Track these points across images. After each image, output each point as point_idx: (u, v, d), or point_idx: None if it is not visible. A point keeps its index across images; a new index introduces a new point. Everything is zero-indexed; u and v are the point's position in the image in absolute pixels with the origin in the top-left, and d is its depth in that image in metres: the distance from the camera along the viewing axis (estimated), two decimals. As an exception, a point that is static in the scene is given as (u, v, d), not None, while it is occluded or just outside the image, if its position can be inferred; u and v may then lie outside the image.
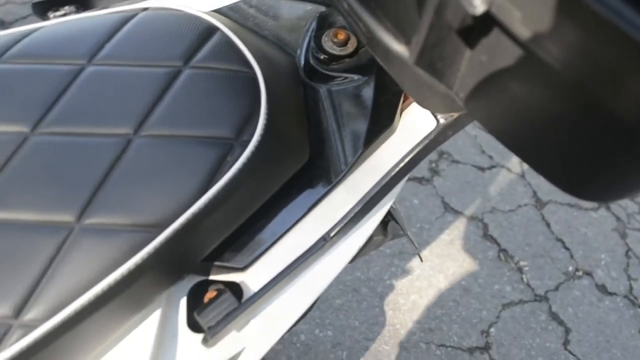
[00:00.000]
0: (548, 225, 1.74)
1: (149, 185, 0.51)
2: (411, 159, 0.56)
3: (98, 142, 0.54)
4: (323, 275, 0.59)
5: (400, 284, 1.55)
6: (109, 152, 0.53)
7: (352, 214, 0.57)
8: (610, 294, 1.63)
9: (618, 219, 1.80)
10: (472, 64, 0.36)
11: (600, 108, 0.29)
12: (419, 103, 0.51)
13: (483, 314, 1.54)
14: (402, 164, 0.56)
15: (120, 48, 0.60)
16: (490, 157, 1.86)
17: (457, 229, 1.70)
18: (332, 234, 0.56)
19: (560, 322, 1.55)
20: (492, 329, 1.51)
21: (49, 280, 0.48)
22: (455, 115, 0.55)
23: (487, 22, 0.31)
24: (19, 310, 0.47)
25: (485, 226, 1.72)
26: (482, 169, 1.84)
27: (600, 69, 0.27)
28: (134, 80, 0.58)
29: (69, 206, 0.50)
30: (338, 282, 1.52)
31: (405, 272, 1.57)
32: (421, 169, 1.81)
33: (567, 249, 1.70)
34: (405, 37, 0.43)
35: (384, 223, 0.73)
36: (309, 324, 1.44)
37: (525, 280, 1.61)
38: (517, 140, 0.38)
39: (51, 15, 0.70)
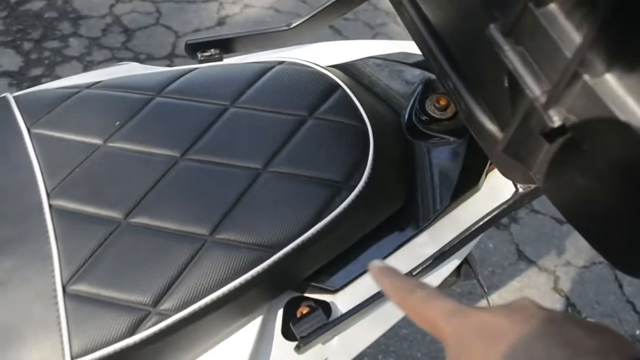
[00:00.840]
0: (620, 286, 1.73)
1: (270, 213, 0.62)
2: (489, 219, 0.64)
3: (233, 172, 0.65)
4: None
5: (466, 323, 1.58)
6: (241, 182, 0.64)
7: (432, 258, 0.65)
8: (676, 363, 1.61)
9: (693, 287, 1.77)
10: (548, 155, 0.44)
11: None
12: (502, 173, 0.59)
13: (544, 364, 1.55)
14: (481, 223, 0.64)
15: (258, 95, 0.71)
16: (570, 212, 1.86)
17: (528, 277, 1.71)
18: (414, 273, 0.65)
19: (621, 385, 1.54)
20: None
21: (183, 280, 0.59)
22: (533, 186, 0.63)
23: (562, 129, 0.40)
24: (157, 301, 0.58)
25: (557, 278, 1.72)
26: (560, 222, 1.84)
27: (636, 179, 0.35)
28: (266, 124, 0.69)
29: (205, 222, 0.62)
30: (406, 312, 1.56)
31: (472, 312, 1.60)
32: (500, 215, 1.83)
33: (637, 312, 1.68)
34: (498, 120, 0.52)
35: (459, 265, 0.81)
36: (373, 349, 1.49)
37: (590, 337, 1.61)
38: (579, 221, 0.45)
39: (199, 55, 0.82)
